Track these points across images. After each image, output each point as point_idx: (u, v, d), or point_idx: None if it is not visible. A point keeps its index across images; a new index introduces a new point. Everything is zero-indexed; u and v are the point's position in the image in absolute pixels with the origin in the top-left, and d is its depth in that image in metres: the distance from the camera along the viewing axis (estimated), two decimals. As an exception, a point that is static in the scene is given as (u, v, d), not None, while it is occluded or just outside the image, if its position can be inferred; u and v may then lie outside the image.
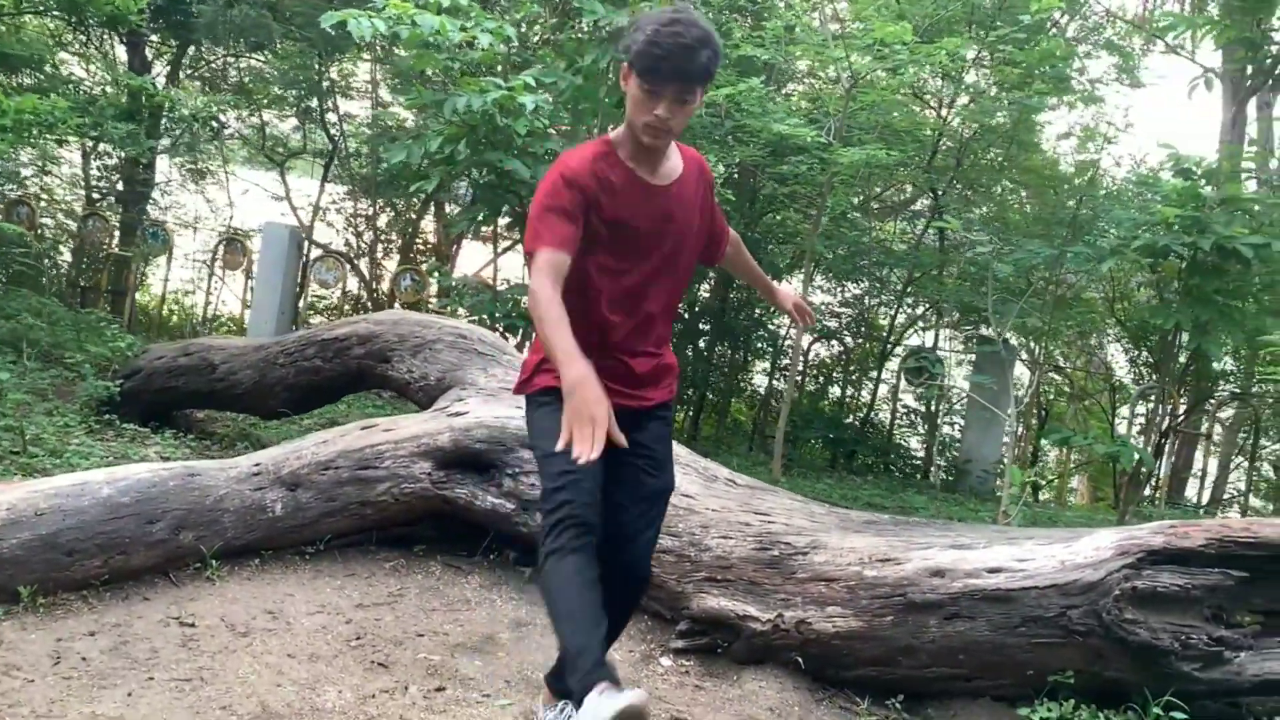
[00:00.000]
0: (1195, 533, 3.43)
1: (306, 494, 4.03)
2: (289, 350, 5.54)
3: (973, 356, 8.38)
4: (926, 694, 3.47)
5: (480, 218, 6.36)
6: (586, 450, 2.24)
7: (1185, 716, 3.18)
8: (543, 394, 2.69)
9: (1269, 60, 5.70)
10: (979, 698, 3.44)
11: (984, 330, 7.92)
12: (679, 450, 4.25)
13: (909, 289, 8.51)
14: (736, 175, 6.78)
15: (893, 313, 8.64)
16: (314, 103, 10.94)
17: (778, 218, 7.44)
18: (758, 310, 8.68)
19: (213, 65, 11.24)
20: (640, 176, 2.64)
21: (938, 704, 3.45)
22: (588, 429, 2.25)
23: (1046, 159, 9.52)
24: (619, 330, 2.70)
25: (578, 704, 2.28)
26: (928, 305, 8.65)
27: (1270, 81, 7.68)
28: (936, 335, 8.84)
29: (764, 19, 5.76)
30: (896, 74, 5.40)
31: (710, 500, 3.89)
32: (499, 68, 5.69)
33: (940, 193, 8.11)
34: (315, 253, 9.53)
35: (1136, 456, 6.04)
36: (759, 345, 8.99)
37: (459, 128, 5.50)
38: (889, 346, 8.60)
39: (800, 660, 3.48)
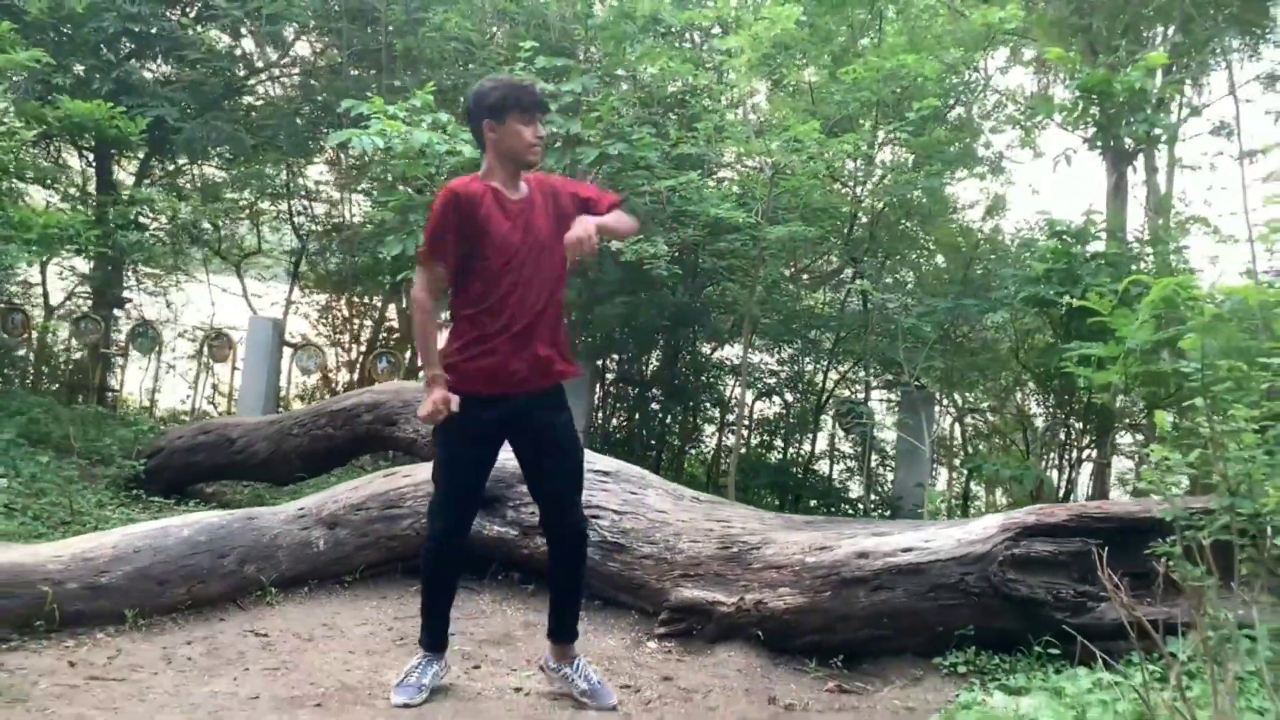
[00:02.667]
0: (1060, 511, 4.41)
1: (344, 531, 4.83)
2: (302, 422, 6.36)
3: (896, 403, 9.39)
4: (861, 654, 4.34)
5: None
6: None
7: (1058, 651, 4.08)
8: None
9: (1138, 134, 6.80)
10: (902, 654, 4.33)
11: (904, 379, 8.91)
12: (651, 476, 5.16)
13: (836, 348, 9.52)
14: (679, 254, 7.76)
15: (824, 370, 9.64)
16: (282, 205, 11.89)
17: (718, 289, 8.41)
18: (704, 375, 9.66)
19: (176, 172, 11.98)
20: (509, 197, 3.47)
21: (870, 660, 4.33)
22: (440, 414, 3.36)
23: (956, 226, 10.70)
24: (517, 322, 3.43)
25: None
26: (853, 361, 9.66)
27: (1143, 150, 8.96)
28: (866, 388, 9.85)
29: (698, 119, 6.77)
30: (810, 163, 6.44)
31: (679, 514, 4.77)
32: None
33: (860, 261, 9.19)
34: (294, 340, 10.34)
35: (1039, 479, 7.04)
36: (707, 407, 9.93)
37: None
38: (824, 400, 9.58)
39: (760, 634, 4.33)
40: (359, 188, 11.17)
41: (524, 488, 4.85)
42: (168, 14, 10.91)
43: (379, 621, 4.48)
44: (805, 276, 10.73)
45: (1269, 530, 3.52)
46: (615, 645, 4.40)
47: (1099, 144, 6.79)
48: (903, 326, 7.03)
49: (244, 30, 12.21)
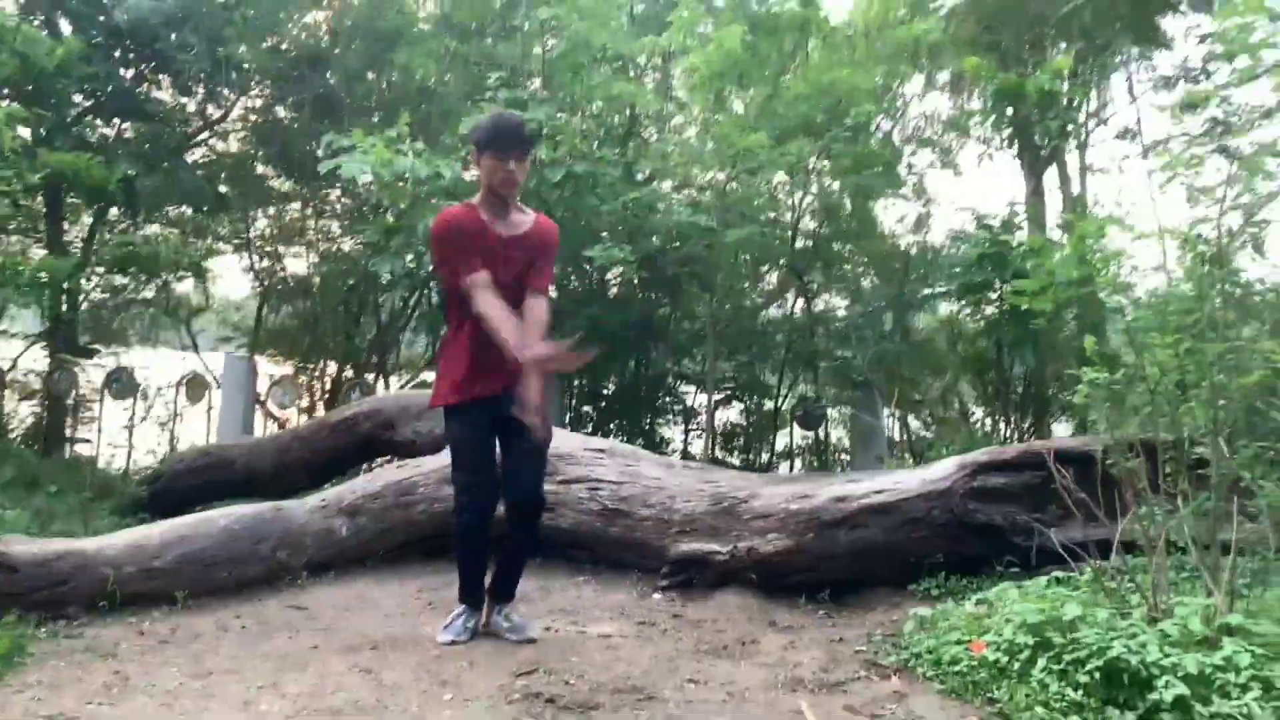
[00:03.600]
0: (1010, 450, 5.01)
1: (364, 519, 5.24)
2: (301, 436, 6.74)
3: (848, 400, 10.00)
4: (845, 588, 4.85)
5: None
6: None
7: (1018, 569, 4.63)
8: (447, 409, 4.04)
9: (1052, 130, 7.52)
10: (881, 585, 4.85)
11: (854, 376, 9.54)
12: (643, 451, 5.66)
13: (789, 352, 10.12)
14: (641, 268, 8.29)
15: (779, 374, 10.23)
16: (244, 255, 12.28)
17: (680, 299, 8.96)
18: (667, 385, 10.20)
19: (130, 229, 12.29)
20: (492, 227, 3.95)
21: (854, 593, 4.83)
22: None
23: (887, 245, 11.45)
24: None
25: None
26: (803, 363, 10.28)
27: (1057, 151, 9.77)
28: (817, 388, 10.46)
29: (651, 141, 7.37)
30: (757, 174, 7.05)
31: (673, 479, 5.26)
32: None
33: (804, 271, 9.84)
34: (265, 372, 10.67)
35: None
36: (670, 417, 10.46)
37: (424, 246, 6.89)
38: (780, 403, 10.16)
39: (754, 576, 4.82)
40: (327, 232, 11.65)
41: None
42: (122, 72, 11.30)
43: (405, 594, 4.88)
44: (758, 294, 11.39)
45: (1186, 440, 4.10)
46: (624, 598, 4.85)
47: (1015, 145, 7.49)
48: (853, 330, 7.63)
49: (194, 86, 12.63)
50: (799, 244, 9.66)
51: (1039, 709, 2.98)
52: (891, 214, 12.80)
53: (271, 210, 13.55)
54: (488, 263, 3.84)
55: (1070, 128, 7.41)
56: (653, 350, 9.85)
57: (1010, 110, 7.16)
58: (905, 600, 4.72)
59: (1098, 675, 3.02)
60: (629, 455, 5.54)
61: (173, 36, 10.96)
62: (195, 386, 10.41)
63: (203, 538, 4.66)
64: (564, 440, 5.55)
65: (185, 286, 14.73)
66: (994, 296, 7.71)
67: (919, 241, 11.37)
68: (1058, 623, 3.26)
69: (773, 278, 11.51)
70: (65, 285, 7.55)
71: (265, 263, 13.14)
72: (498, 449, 4.04)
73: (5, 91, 8.32)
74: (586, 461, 5.46)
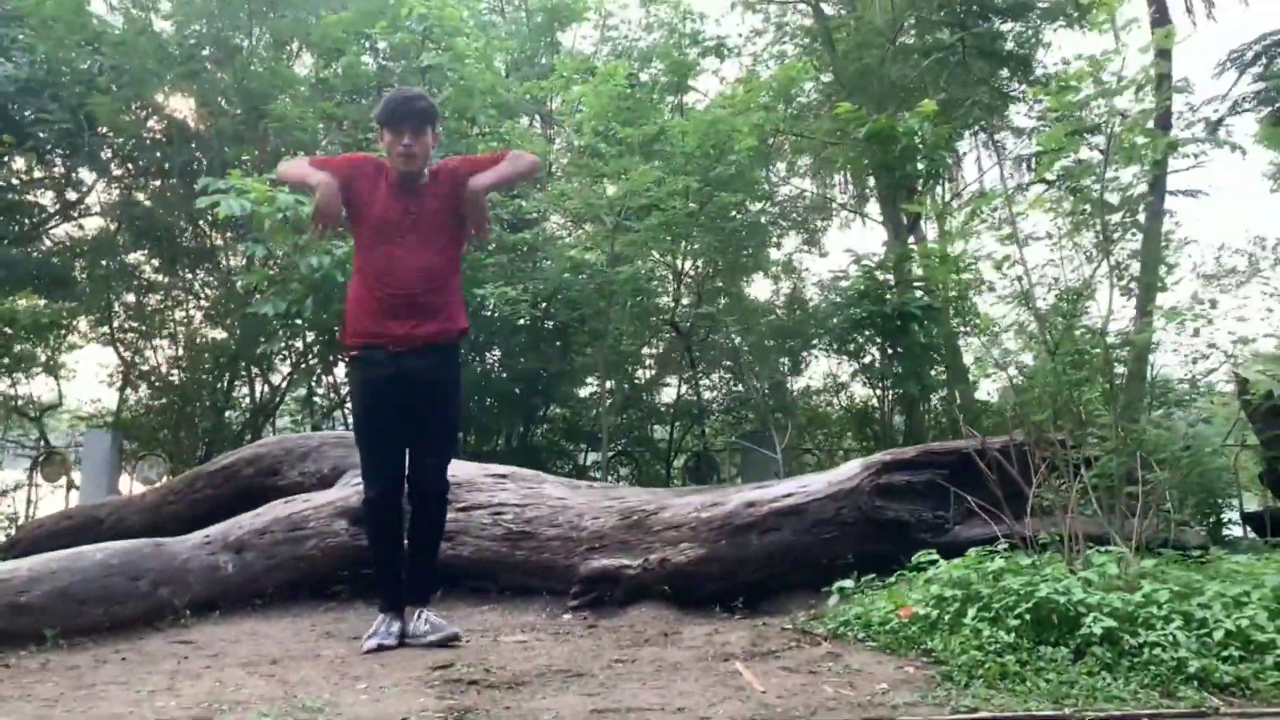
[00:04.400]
0: (910, 450, 5.08)
1: (251, 554, 4.94)
2: (177, 489, 6.35)
3: (739, 447, 10.07)
4: (760, 595, 4.78)
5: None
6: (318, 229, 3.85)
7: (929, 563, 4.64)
8: (350, 361, 4.01)
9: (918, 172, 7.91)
10: (795, 590, 4.79)
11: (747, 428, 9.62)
12: (545, 474, 5.53)
13: (676, 408, 10.17)
14: (531, 318, 8.24)
15: (668, 427, 10.25)
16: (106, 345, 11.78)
17: (573, 347, 8.93)
18: (558, 442, 10.08)
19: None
20: (400, 191, 3.95)
21: (769, 600, 4.76)
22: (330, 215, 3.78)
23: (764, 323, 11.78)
24: (392, 288, 3.89)
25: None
26: (693, 420, 10.34)
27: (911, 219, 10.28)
28: (704, 439, 10.52)
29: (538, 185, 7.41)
30: (651, 211, 7.14)
31: (578, 498, 5.14)
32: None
33: (687, 327, 9.97)
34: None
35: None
36: (565, 474, 10.33)
37: (305, 288, 6.71)
38: (673, 456, 10.15)
39: (667, 588, 4.71)
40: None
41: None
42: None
43: (299, 629, 4.58)
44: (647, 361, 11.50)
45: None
46: (533, 619, 4.67)
47: (877, 196, 7.81)
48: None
49: (52, 159, 12.19)
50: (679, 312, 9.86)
51: (974, 653, 2.96)
52: (761, 288, 13.26)
53: (132, 298, 13.10)
54: (399, 226, 3.90)
55: (937, 168, 7.76)
56: (543, 407, 9.74)
57: (880, 151, 7.47)
58: (820, 601, 4.65)
59: (1028, 618, 3.04)
60: (532, 479, 5.40)
61: (28, 109, 10.61)
62: (52, 465, 9.79)
63: (75, 572, 4.29)
64: (463, 468, 5.39)
65: (35, 385, 14.12)
66: (872, 333, 7.94)
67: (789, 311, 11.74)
68: (984, 576, 3.27)
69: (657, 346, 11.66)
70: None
71: (126, 353, 12.65)
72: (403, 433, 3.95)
73: None
74: (488, 487, 5.30)
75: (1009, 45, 10.23)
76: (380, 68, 10.46)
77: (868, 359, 9.20)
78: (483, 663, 3.36)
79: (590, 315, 7.75)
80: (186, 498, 6.27)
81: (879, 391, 9.70)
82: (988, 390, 10.60)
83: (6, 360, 12.04)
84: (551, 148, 7.93)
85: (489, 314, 7.24)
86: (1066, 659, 2.89)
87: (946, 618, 3.19)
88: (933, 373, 8.83)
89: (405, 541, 4.04)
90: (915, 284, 7.75)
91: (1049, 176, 4.55)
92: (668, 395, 11.78)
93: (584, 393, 10.75)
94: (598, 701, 2.70)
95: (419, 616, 3.94)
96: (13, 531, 9.37)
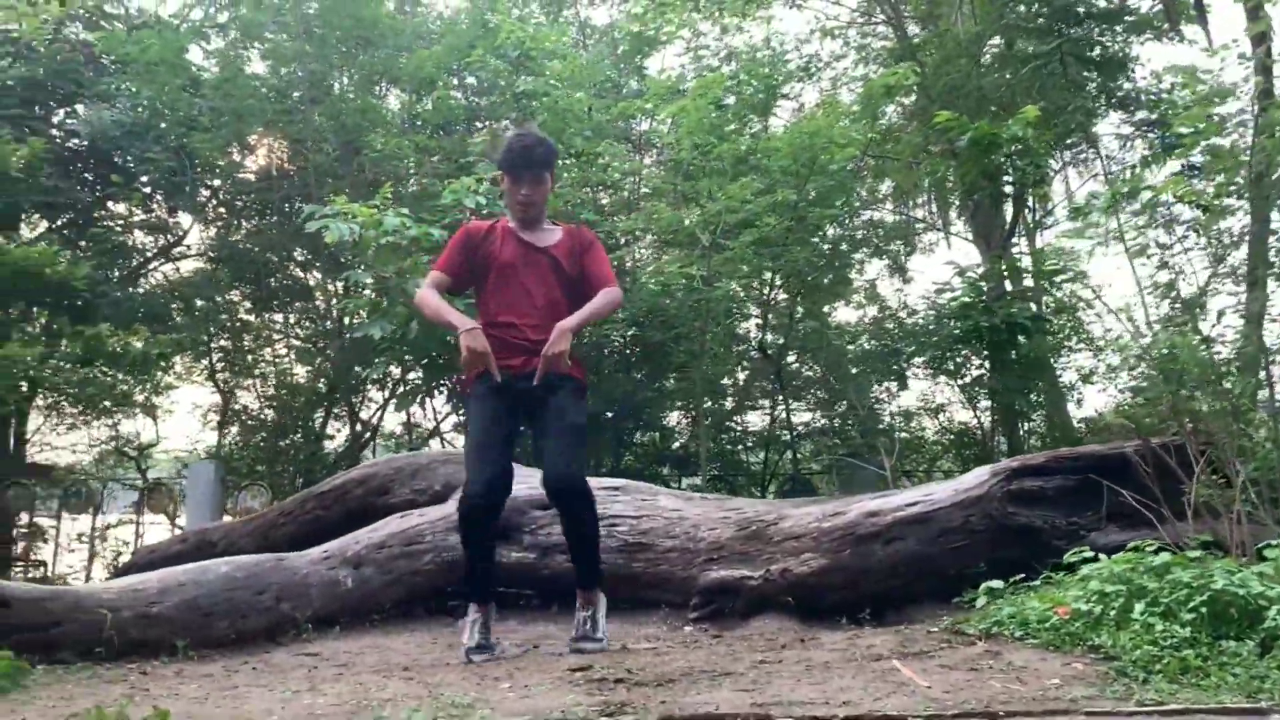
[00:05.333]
0: (1039, 456, 4.92)
1: (369, 569, 4.93)
2: (288, 510, 6.39)
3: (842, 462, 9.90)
4: (886, 606, 4.62)
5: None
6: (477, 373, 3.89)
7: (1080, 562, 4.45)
8: (472, 386, 4.07)
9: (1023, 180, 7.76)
10: (923, 601, 4.63)
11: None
12: (658, 486, 5.47)
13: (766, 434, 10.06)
14: (627, 342, 8.21)
15: (762, 452, 10.12)
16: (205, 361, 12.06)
17: (668, 369, 8.89)
18: (651, 468, 10.02)
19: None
20: (519, 234, 4.11)
21: (895, 611, 4.60)
22: (479, 362, 3.81)
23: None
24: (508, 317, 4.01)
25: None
26: (784, 446, 10.23)
27: (1009, 230, 10.08)
28: (796, 464, 10.37)
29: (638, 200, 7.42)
30: (747, 228, 7.08)
31: (693, 510, 5.06)
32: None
33: (775, 351, 9.87)
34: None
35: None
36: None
37: (409, 311, 6.76)
38: (768, 482, 10.01)
39: (790, 599, 4.58)
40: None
41: (539, 512, 5.16)
42: (77, 188, 11.21)
43: (421, 642, 4.54)
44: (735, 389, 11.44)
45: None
46: (655, 630, 4.57)
47: (973, 208, 7.66)
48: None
49: (154, 204, 12.58)
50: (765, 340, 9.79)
51: (1148, 648, 2.79)
52: (845, 314, 13.15)
53: (227, 339, 13.46)
54: (518, 273, 4.03)
55: (1043, 176, 7.58)
56: (634, 432, 9.69)
57: (985, 159, 7.32)
58: (952, 612, 4.49)
59: (1204, 611, 2.86)
60: (646, 491, 5.33)
61: (132, 153, 10.97)
62: (158, 497, 9.98)
63: (201, 585, 4.32)
64: (575, 481, 5.33)
65: (133, 425, 14.54)
66: (978, 345, 7.75)
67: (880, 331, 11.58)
68: (1148, 571, 3.10)
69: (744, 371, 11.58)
70: (25, 374, 7.24)
71: (223, 391, 12.98)
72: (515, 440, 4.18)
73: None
74: (601, 500, 5.18)
75: (1099, 53, 10.02)
76: (469, 102, 10.64)
77: (968, 378, 9.00)
78: (621, 665, 3.28)
79: (685, 335, 7.69)
80: (297, 519, 6.30)
81: (979, 413, 9.48)
82: (1093, 407, 10.30)
83: (108, 402, 12.38)
84: (642, 166, 7.94)
85: (579, 338, 7.23)
86: (1253, 653, 2.72)
87: (1112, 613, 3.03)
88: (1035, 390, 8.59)
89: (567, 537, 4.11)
90: (1024, 293, 7.55)
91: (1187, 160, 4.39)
92: (754, 421, 11.69)
93: (673, 418, 10.70)
94: (755, 696, 2.60)
95: (588, 607, 3.97)
96: (125, 559, 9.57)
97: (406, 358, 7.59)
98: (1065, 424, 9.62)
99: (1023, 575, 3.93)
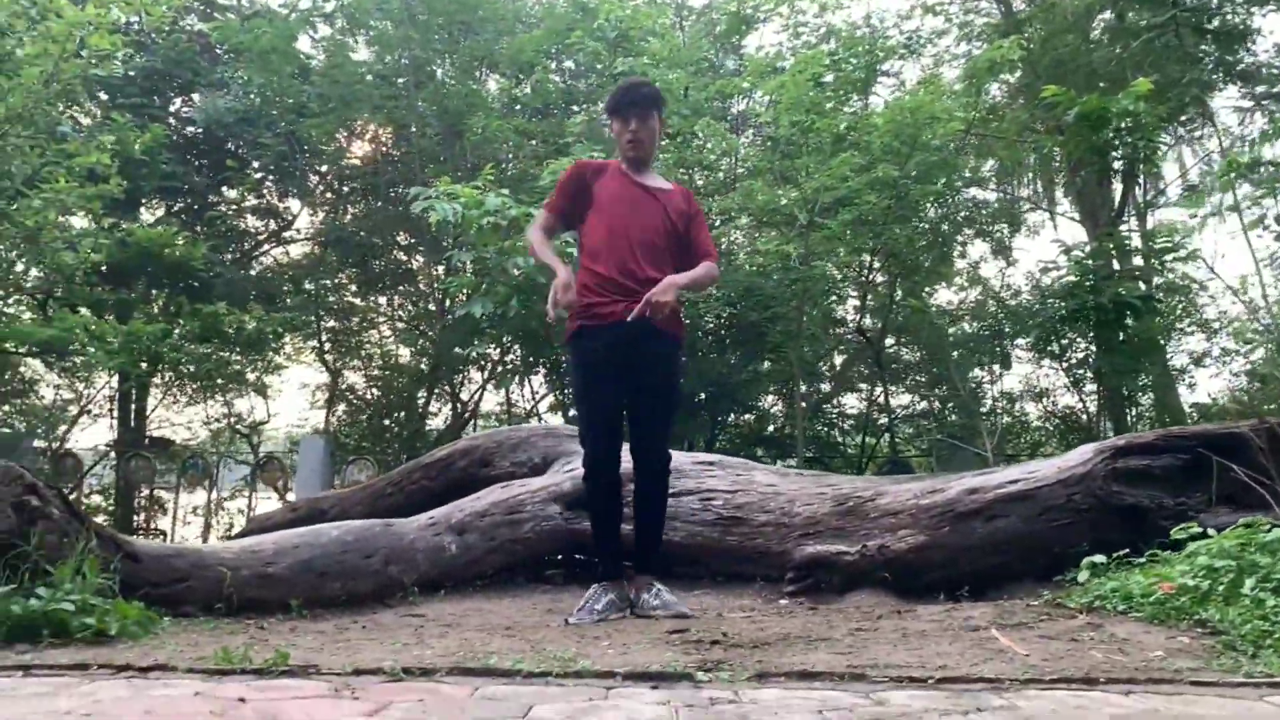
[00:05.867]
0: (1148, 435, 4.79)
1: (472, 536, 5.08)
2: (395, 481, 6.61)
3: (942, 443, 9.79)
4: (986, 584, 4.57)
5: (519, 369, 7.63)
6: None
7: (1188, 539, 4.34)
8: (573, 339, 4.09)
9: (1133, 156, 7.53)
10: (1023, 579, 4.55)
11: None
12: (753, 462, 5.49)
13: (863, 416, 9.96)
14: (722, 321, 8.23)
15: (859, 436, 10.05)
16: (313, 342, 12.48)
17: (763, 350, 8.89)
18: (746, 449, 10.03)
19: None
20: (631, 176, 4.11)
21: (995, 590, 4.54)
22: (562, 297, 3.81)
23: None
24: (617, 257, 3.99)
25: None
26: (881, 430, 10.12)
27: (1119, 208, 9.79)
28: (894, 447, 10.27)
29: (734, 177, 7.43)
30: (846, 206, 7.03)
31: (788, 485, 5.07)
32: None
33: (875, 334, 9.76)
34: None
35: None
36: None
37: (509, 289, 6.90)
38: (865, 461, 9.95)
39: (887, 575, 4.57)
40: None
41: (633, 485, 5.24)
42: (194, 174, 11.67)
43: (523, 607, 4.65)
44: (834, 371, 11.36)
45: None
46: (749, 603, 4.60)
47: (1095, 170, 7.45)
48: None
49: (265, 189, 13.03)
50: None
51: (1258, 623, 2.73)
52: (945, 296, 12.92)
53: (334, 322, 13.90)
54: (625, 210, 4.00)
55: (1155, 151, 7.34)
56: (729, 413, 9.71)
57: (1092, 135, 7.12)
58: (1054, 591, 4.43)
59: (1318, 588, 2.78)
60: (740, 466, 5.37)
61: (244, 138, 11.38)
62: (270, 470, 10.38)
63: (315, 547, 4.51)
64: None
65: (245, 404, 15.14)
66: (1085, 326, 7.56)
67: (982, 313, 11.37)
68: (1261, 548, 3.02)
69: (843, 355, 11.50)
70: (148, 349, 7.60)
71: (325, 376, 13.41)
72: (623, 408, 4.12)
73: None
74: (695, 474, 5.30)
75: (1218, 24, 9.64)
76: (567, 86, 10.76)
77: (1073, 360, 8.79)
78: (717, 629, 3.33)
79: (781, 316, 7.68)
80: (404, 489, 6.51)
81: (1085, 396, 9.26)
82: (1206, 391, 9.97)
83: (221, 379, 12.92)
84: (738, 145, 7.94)
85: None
86: (1372, 631, 2.64)
87: (1220, 588, 2.96)
88: (1145, 372, 8.35)
89: (635, 511, 4.08)
90: (1133, 272, 7.35)
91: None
92: (852, 404, 11.61)
93: (769, 401, 10.71)
94: (850, 660, 2.62)
95: (651, 590, 3.96)
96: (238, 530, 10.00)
97: (505, 339, 7.74)
98: (1175, 408, 9.34)
99: (1126, 552, 3.81)
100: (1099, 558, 3.73)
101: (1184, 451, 4.63)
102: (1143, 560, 3.72)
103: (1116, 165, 7.80)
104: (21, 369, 13.17)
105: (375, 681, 2.35)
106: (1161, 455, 4.63)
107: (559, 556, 5.51)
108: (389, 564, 4.72)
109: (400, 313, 14.21)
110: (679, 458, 5.46)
